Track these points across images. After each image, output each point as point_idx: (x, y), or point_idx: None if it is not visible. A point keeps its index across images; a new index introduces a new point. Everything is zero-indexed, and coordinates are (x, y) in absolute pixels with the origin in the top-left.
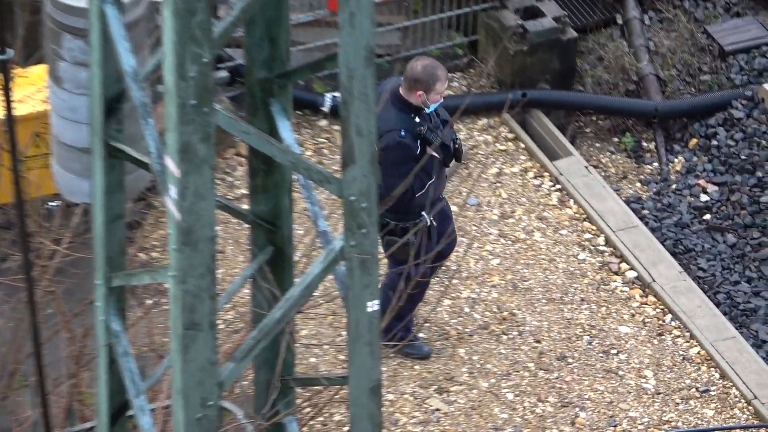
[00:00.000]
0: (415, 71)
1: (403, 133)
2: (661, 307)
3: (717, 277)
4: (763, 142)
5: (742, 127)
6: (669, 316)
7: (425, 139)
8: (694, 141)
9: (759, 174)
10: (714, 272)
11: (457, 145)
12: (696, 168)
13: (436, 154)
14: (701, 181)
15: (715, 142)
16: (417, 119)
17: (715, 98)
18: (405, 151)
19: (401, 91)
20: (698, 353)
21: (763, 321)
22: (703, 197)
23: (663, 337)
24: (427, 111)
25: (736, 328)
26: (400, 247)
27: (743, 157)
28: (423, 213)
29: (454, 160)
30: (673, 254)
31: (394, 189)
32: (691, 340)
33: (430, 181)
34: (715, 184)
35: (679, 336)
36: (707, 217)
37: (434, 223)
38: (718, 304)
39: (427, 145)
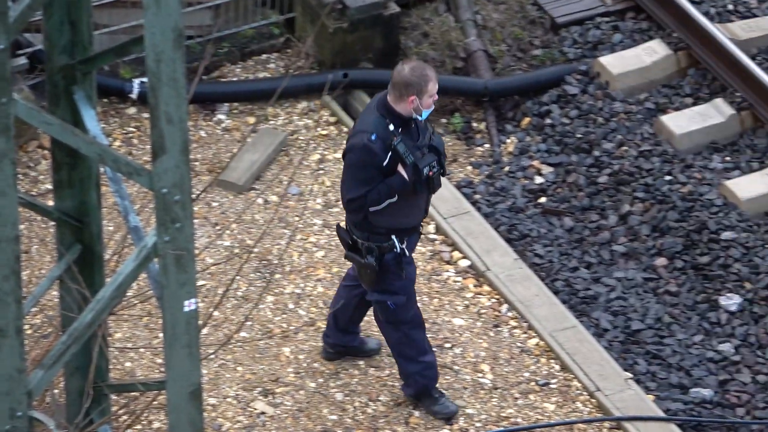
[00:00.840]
0: (404, 75)
1: (373, 138)
2: (497, 296)
3: (554, 264)
4: (600, 119)
5: (577, 103)
6: (505, 306)
7: (396, 152)
8: (526, 120)
9: (596, 153)
10: (551, 258)
11: (432, 173)
12: (529, 149)
13: (404, 173)
14: (535, 163)
15: (549, 121)
16: (392, 127)
17: (548, 74)
18: (369, 156)
19: (389, 98)
20: (537, 344)
21: (604, 309)
22: (538, 179)
23: (499, 328)
24: (421, 118)
25: (576, 317)
26: (361, 269)
27: (579, 135)
28: (393, 237)
29: (426, 190)
30: (508, 241)
31: (348, 192)
32: (529, 331)
33: (391, 200)
34: (550, 165)
35: (516, 327)
36: (543, 200)
37: (406, 252)
38: (556, 292)
39: (399, 161)
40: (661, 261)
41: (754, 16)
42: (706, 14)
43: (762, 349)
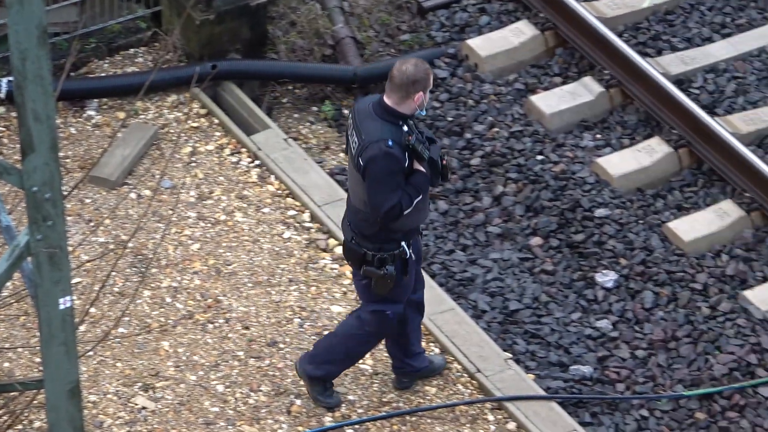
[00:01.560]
0: (410, 74)
1: (390, 143)
2: None
3: (430, 247)
4: (470, 101)
5: (447, 87)
6: None
7: (414, 151)
8: None
9: (467, 136)
10: (427, 242)
11: (444, 161)
12: None
13: (422, 169)
14: None
15: None
16: (405, 128)
17: (417, 58)
18: (393, 162)
19: (389, 102)
20: None
21: (481, 290)
22: None
23: None
24: (423, 113)
25: (454, 299)
26: (379, 279)
27: (450, 118)
28: (402, 243)
29: (441, 179)
30: None
31: (383, 206)
32: None
33: (418, 199)
34: None
35: None
36: None
37: (413, 257)
38: (433, 276)
39: (417, 159)
40: (536, 240)
41: None
42: None
43: (639, 324)
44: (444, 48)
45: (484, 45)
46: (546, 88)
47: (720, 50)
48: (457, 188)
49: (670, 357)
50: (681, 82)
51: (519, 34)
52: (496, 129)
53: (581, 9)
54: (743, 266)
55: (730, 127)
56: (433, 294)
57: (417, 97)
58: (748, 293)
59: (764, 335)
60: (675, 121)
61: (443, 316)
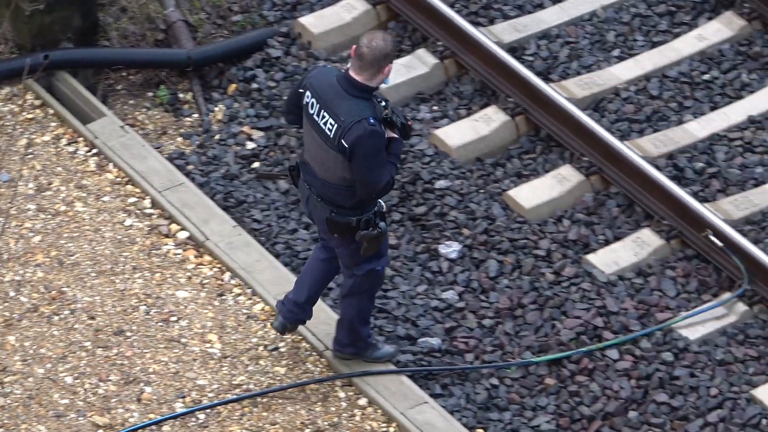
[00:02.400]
0: (381, 48)
1: (372, 121)
2: (219, 265)
3: (273, 228)
4: None
5: (282, 66)
6: (228, 275)
7: (389, 122)
8: (233, 86)
9: None
10: (270, 222)
11: (409, 122)
12: (238, 115)
13: (396, 135)
14: (245, 128)
15: (255, 86)
16: (383, 103)
17: (250, 39)
18: (379, 139)
19: (359, 78)
20: (262, 309)
21: None
22: (250, 145)
23: (224, 297)
24: (387, 82)
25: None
26: (374, 239)
27: (286, 97)
28: (379, 200)
29: (405, 138)
30: (225, 209)
31: (380, 183)
32: (254, 297)
33: (398, 163)
34: (260, 129)
35: (240, 294)
36: (256, 165)
37: (384, 206)
38: (277, 256)
39: (390, 128)
40: None
41: None
42: None
43: (485, 293)
44: (276, 27)
45: (317, 22)
46: None
47: (552, 16)
48: None
49: (517, 324)
50: (515, 49)
51: (351, 9)
52: None
53: None
54: (585, 230)
55: (566, 93)
56: (278, 274)
57: (387, 69)
58: (591, 257)
59: (609, 298)
60: (511, 89)
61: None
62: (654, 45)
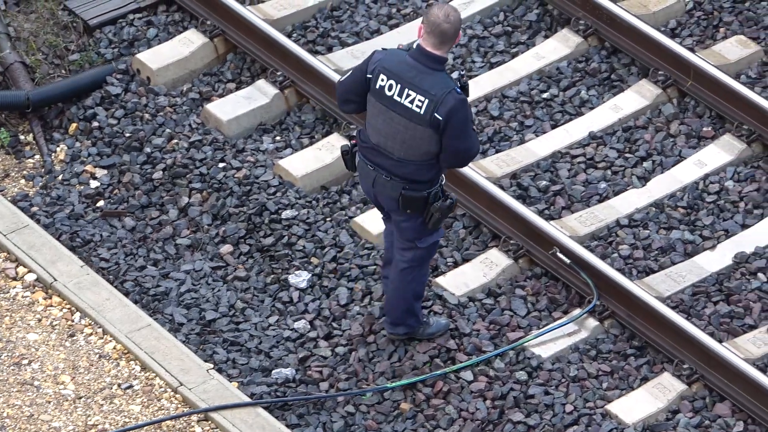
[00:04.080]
0: (457, 19)
1: (458, 91)
2: (68, 306)
3: (121, 265)
4: (146, 115)
5: (122, 103)
6: (78, 315)
7: (465, 89)
8: (74, 126)
9: (147, 150)
10: (117, 260)
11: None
12: (81, 154)
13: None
14: (89, 167)
15: (96, 124)
16: (456, 75)
17: (88, 77)
18: (467, 108)
19: (438, 52)
20: (115, 348)
21: (176, 303)
22: (94, 183)
23: (75, 337)
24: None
25: (150, 315)
26: (445, 211)
27: (128, 134)
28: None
29: None
30: (72, 249)
31: (474, 149)
32: (105, 336)
33: None
34: (103, 167)
35: (91, 333)
36: (101, 203)
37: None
38: (127, 293)
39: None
40: (226, 248)
41: None
42: None
43: (337, 321)
44: (114, 64)
45: (155, 58)
46: (221, 95)
47: (389, 41)
48: (142, 203)
49: (371, 351)
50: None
51: (188, 43)
52: (175, 141)
53: (248, 13)
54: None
55: None
56: (128, 312)
57: (456, 41)
58: (440, 279)
59: (461, 320)
60: (351, 116)
61: (141, 333)
62: (492, 66)
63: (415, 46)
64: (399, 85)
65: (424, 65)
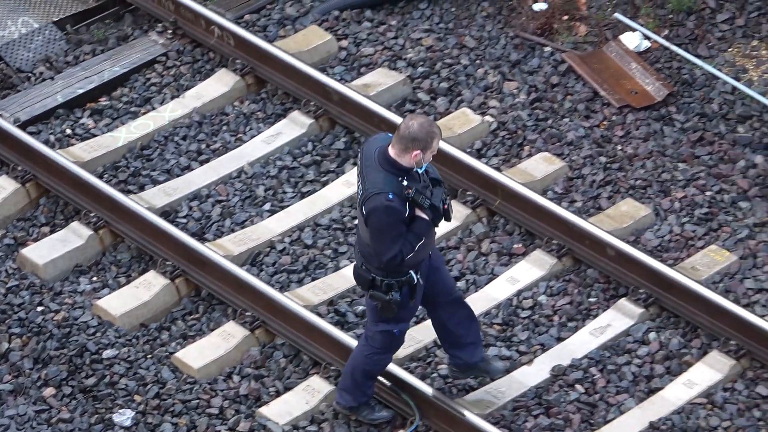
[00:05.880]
0: (412, 130)
1: (391, 197)
2: None
3: None
4: None
5: None
6: None
7: (414, 202)
8: None
9: None
10: None
11: (446, 206)
12: None
13: (425, 216)
14: None
15: None
16: (405, 182)
17: None
18: (393, 215)
19: (391, 152)
20: None
21: None
22: None
23: None
24: (420, 170)
25: None
26: (385, 304)
27: None
28: (410, 271)
29: (444, 220)
30: None
31: (384, 254)
32: None
33: (420, 243)
34: None
35: None
36: None
37: (421, 281)
38: None
39: (417, 207)
40: (49, 391)
41: (94, 136)
42: (46, 143)
43: None
44: None
45: None
46: (36, 239)
47: (200, 177)
48: None
49: None
50: (168, 213)
51: (0, 190)
52: None
53: (58, 156)
54: (255, 384)
55: (222, 251)
56: None
57: (415, 154)
58: (264, 410)
59: None
60: (167, 253)
61: None
62: (303, 195)
63: None
64: (358, 169)
65: (378, 161)
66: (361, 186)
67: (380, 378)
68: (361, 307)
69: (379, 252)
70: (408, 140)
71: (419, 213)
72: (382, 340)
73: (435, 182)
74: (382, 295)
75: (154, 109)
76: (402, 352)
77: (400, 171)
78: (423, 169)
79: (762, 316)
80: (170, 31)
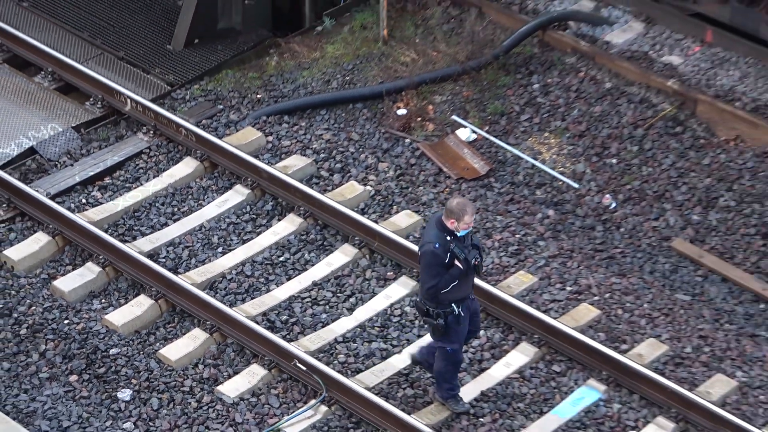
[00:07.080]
0: (451, 205)
1: (437, 246)
2: None
3: None
4: None
5: None
6: None
7: (453, 254)
8: None
9: None
10: None
11: (476, 262)
12: None
13: (459, 265)
14: None
15: None
16: (449, 238)
17: None
18: (435, 259)
19: (443, 218)
20: None
21: None
22: None
23: None
24: (459, 234)
25: None
26: (433, 327)
27: None
28: (452, 304)
29: (475, 272)
30: None
31: (426, 283)
32: None
33: (454, 283)
34: None
35: None
36: None
37: (461, 312)
38: None
39: (455, 258)
40: (73, 378)
41: (101, 203)
42: (69, 209)
43: None
44: None
45: None
46: (63, 275)
47: (174, 230)
48: None
49: None
50: (152, 255)
51: (37, 241)
52: None
53: (77, 218)
54: (213, 370)
55: (190, 280)
56: None
57: (452, 221)
58: (220, 387)
59: (237, 414)
60: (153, 282)
61: None
62: (245, 241)
63: None
64: (425, 228)
65: (436, 221)
66: (422, 238)
67: (299, 364)
68: (285, 317)
69: (423, 282)
70: (449, 212)
71: (456, 263)
72: (441, 356)
73: (475, 247)
74: (431, 320)
75: (141, 185)
76: (312, 346)
77: (447, 231)
78: (462, 234)
79: (555, 318)
80: (152, 132)
